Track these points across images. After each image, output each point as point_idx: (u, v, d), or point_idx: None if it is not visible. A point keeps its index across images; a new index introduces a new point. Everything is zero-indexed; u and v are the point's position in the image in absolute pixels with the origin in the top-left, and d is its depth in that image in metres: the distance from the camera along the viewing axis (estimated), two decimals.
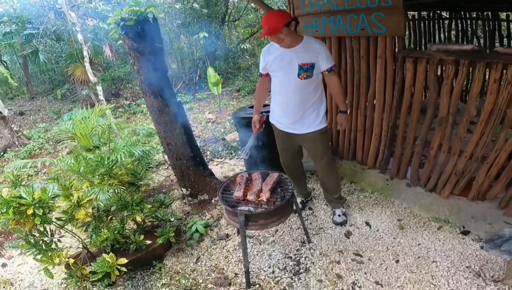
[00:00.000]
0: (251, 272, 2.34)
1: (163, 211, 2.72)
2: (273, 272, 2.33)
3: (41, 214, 1.77)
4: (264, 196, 2.11)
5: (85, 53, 5.42)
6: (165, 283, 2.31)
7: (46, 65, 8.24)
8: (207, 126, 5.85)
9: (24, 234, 1.89)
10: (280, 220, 2.12)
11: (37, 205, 1.80)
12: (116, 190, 2.63)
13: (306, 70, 2.16)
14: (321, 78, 2.31)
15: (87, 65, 5.34)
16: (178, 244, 2.68)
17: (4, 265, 2.66)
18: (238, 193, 2.16)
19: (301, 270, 2.32)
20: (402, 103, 2.73)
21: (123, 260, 2.05)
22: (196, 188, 3.24)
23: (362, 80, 2.98)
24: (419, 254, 2.32)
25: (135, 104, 7.69)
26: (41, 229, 1.95)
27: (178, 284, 2.29)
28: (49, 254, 1.90)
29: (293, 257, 2.45)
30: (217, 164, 4.21)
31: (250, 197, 2.12)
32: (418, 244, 2.41)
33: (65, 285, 2.36)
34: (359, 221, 2.75)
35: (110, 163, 2.25)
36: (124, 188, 2.55)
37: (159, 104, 2.91)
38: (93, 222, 2.11)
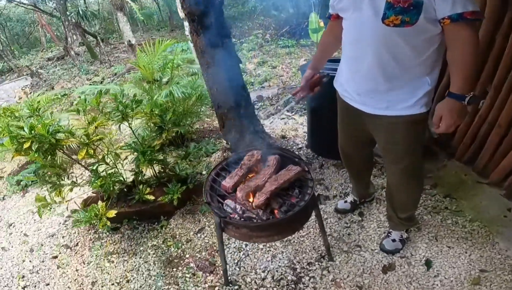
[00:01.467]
0: (241, 268, 1.84)
1: (184, 164, 2.43)
2: (263, 279, 1.76)
3: (34, 149, 1.73)
4: (257, 200, 1.40)
5: None
6: (154, 245, 2.07)
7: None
8: (297, 74, 5.07)
9: (40, 165, 1.97)
10: (272, 237, 1.44)
11: (35, 139, 1.76)
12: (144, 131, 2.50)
13: (402, 11, 1.14)
14: (439, 32, 1.20)
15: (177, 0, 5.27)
16: (193, 204, 2.38)
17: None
18: (228, 181, 1.52)
19: None
20: None
21: (112, 213, 1.86)
22: (236, 144, 2.82)
23: None
24: None
25: (239, 42, 7.54)
26: (56, 161, 2.01)
27: (165, 251, 2.02)
28: (53, 193, 1.92)
29: (298, 270, 1.78)
30: (283, 118, 3.55)
31: (239, 193, 1.45)
32: None
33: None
34: (419, 254, 1.77)
35: (125, 102, 2.04)
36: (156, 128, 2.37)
37: (201, 43, 2.42)
38: (96, 164, 2.05)
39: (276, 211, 1.44)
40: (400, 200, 1.69)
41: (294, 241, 1.98)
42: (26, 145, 1.75)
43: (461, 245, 1.79)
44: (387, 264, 1.74)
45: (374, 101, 1.39)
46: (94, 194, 2.36)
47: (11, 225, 2.48)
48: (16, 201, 2.70)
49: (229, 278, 1.78)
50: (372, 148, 1.84)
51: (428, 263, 1.72)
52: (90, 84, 5.93)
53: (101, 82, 6.14)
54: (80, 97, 3.09)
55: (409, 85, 1.31)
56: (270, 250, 1.95)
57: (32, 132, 1.77)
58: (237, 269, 1.86)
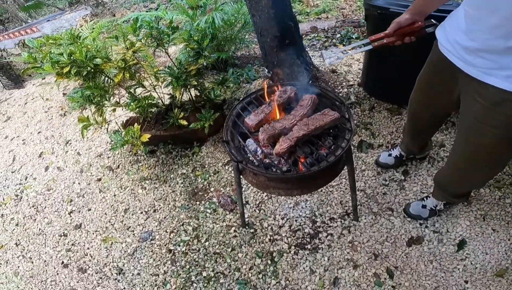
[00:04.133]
0: (261, 211, 1.78)
1: (222, 90, 2.24)
2: (280, 227, 1.69)
3: (73, 73, 1.73)
4: (279, 146, 1.18)
5: None
6: (184, 173, 2.07)
7: None
8: (361, 7, 4.23)
9: (87, 86, 1.99)
10: (292, 191, 1.26)
11: (75, 64, 1.72)
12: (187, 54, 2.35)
13: None
14: None
15: None
16: None
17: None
18: (252, 119, 1.29)
19: (308, 246, 1.58)
20: None
21: (145, 137, 1.84)
22: (277, 73, 2.58)
23: None
24: None
25: None
26: (99, 83, 2.02)
27: (193, 181, 2.02)
28: (95, 113, 1.94)
29: (318, 224, 1.66)
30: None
31: (261, 135, 1.24)
32: None
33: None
34: (456, 232, 1.50)
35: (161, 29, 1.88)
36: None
37: None
38: (133, 87, 2.00)
39: (301, 162, 1.22)
40: (466, 177, 1.28)
41: (321, 190, 1.82)
42: (65, 70, 1.76)
43: (508, 231, 1.47)
44: (415, 237, 1.52)
45: (489, 63, 0.93)
46: (138, 115, 2.39)
47: (68, 142, 2.66)
48: (75, 117, 2.91)
49: (247, 220, 1.74)
50: (450, 113, 1.44)
51: (461, 244, 1.46)
52: (147, 11, 5.82)
53: (156, 9, 5.97)
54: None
55: None
56: (293, 198, 1.84)
57: (71, 57, 1.75)
58: (257, 211, 1.81)
